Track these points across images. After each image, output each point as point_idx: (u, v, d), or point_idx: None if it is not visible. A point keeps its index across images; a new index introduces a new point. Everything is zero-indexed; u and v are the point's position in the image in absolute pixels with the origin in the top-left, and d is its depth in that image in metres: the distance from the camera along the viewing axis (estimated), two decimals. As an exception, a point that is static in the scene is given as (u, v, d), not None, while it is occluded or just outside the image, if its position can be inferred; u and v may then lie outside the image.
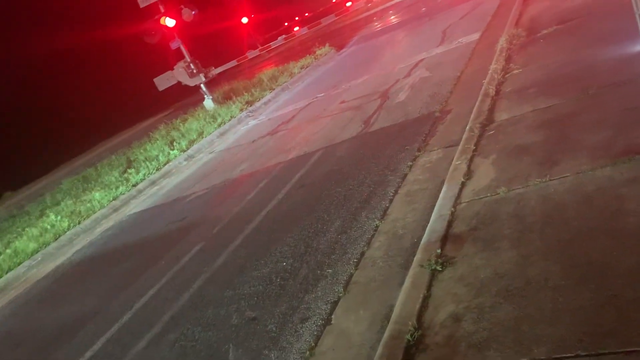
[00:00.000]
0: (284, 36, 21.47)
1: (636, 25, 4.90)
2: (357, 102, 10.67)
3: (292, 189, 7.45)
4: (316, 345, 3.82)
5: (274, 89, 17.23)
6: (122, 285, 6.96)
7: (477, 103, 6.51)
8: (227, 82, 21.55)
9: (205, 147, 13.91)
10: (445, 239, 4.03)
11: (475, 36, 11.06)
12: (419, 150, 6.42)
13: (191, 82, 17.85)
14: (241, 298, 5.04)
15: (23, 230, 12.98)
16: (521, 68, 7.15)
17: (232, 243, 6.49)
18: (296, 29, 36.42)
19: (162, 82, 18.03)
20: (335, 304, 4.22)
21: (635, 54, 5.44)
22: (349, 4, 35.67)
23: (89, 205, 12.30)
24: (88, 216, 11.67)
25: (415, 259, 3.99)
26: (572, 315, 2.76)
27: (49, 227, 11.91)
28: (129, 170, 13.98)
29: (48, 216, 12.88)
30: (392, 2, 22.84)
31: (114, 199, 12.15)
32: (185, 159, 13.47)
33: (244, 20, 47.22)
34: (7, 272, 10.25)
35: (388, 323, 3.47)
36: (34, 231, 12.10)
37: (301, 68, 18.88)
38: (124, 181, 13.10)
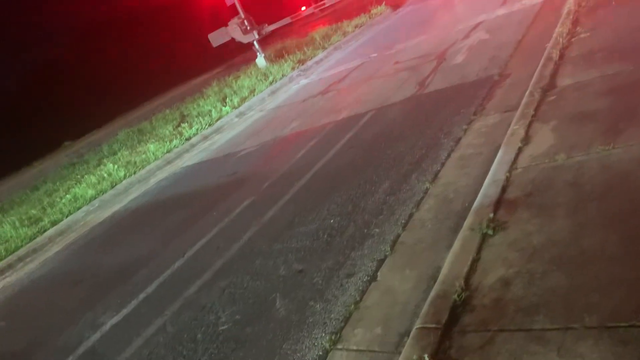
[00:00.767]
0: (339, -6, 21.04)
1: None
2: (412, 63, 10.44)
3: (341, 149, 7.45)
4: (361, 300, 3.88)
5: (326, 48, 17.05)
6: (175, 234, 7.23)
7: (539, 67, 6.25)
8: (279, 40, 21.46)
9: (257, 105, 14.01)
10: (498, 203, 3.96)
11: (541, -2, 10.51)
12: (474, 114, 6.26)
13: (244, 39, 17.86)
14: (289, 251, 5.16)
15: (82, 177, 13.59)
16: (589, 32, 6.77)
17: (281, 199, 6.60)
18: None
19: (217, 38, 18.11)
20: (381, 262, 4.26)
21: None
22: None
23: (144, 156, 12.72)
24: (143, 167, 12.09)
25: (465, 222, 3.95)
26: (629, 286, 2.69)
27: (106, 175, 12.43)
28: (183, 125, 14.30)
29: (105, 165, 13.42)
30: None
31: (168, 151, 12.50)
32: (237, 116, 13.64)
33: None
34: (67, 216, 10.82)
35: (434, 283, 3.48)
36: (92, 179, 12.66)
37: (355, 27, 18.54)
38: (178, 135, 13.42)
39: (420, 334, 3.06)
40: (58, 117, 27.73)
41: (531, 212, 3.66)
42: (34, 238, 10.22)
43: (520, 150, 4.57)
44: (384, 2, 20.66)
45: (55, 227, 10.45)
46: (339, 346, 3.52)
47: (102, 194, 11.40)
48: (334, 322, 3.80)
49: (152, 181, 11.19)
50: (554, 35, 7.11)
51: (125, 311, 5.56)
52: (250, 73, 17.31)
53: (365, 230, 4.87)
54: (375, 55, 13.26)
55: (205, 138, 12.86)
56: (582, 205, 3.48)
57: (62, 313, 6.38)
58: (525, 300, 2.92)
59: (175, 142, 12.91)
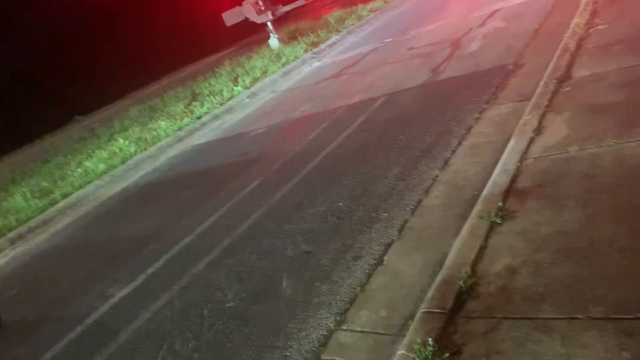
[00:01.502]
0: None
1: None
2: (426, 49, 10.36)
3: (353, 133, 7.45)
4: (367, 283, 3.93)
5: (340, 32, 16.92)
6: (184, 211, 7.30)
7: (555, 58, 6.20)
8: (293, 21, 21.29)
9: (269, 86, 13.98)
10: (507, 193, 3.97)
11: (560, -13, 10.34)
12: (487, 102, 6.23)
13: (258, 20, 17.74)
14: (297, 232, 5.20)
15: (93, 152, 13.67)
16: (607, 24, 6.68)
17: (290, 180, 6.63)
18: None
19: (230, 17, 18.00)
20: (388, 246, 4.29)
21: None
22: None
23: (154, 133, 12.77)
24: (154, 143, 12.15)
25: (474, 210, 3.97)
26: (636, 279, 2.70)
27: (117, 150, 12.50)
28: (194, 103, 14.31)
29: (116, 141, 13.48)
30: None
31: (179, 129, 12.54)
32: (248, 96, 13.62)
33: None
34: (78, 190, 10.92)
35: (441, 269, 3.51)
36: (103, 154, 12.74)
37: (370, 11, 18.36)
38: (189, 113, 13.44)
39: (425, 318, 3.10)
40: (69, 91, 27.81)
41: (541, 202, 3.67)
42: (45, 210, 10.34)
43: (532, 140, 4.56)
44: (400, -13, 20.39)
45: (65, 200, 10.57)
46: (344, 327, 3.57)
47: (113, 169, 11.48)
48: (339, 304, 3.85)
49: (163, 158, 11.26)
50: (572, 25, 7.03)
51: (134, 284, 5.64)
52: (263, 54, 17.23)
53: (374, 214, 4.90)
54: (389, 40, 13.15)
55: (217, 117, 12.88)
56: (593, 197, 3.48)
57: (72, 284, 6.49)
58: (531, 289, 2.95)
59: (186, 120, 12.94)
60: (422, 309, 3.19)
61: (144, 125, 14.39)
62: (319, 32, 17.21)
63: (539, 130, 4.67)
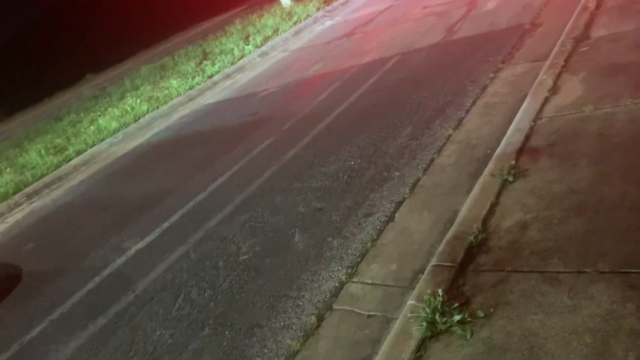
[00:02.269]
0: None
1: None
2: (441, 8, 10.16)
3: (365, 92, 7.42)
4: (378, 239, 4.01)
5: (353, -10, 16.58)
6: (196, 169, 7.39)
7: (573, 17, 6.08)
8: (305, -21, 20.85)
9: (280, 45, 13.84)
10: (520, 152, 3.98)
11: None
12: (503, 62, 6.16)
13: (270, -23, 17.41)
14: (308, 190, 5.27)
15: (105, 110, 13.75)
16: (630, -18, 6.51)
17: (302, 140, 6.66)
18: None
19: (241, -26, 17.67)
20: (399, 204, 4.35)
21: None
22: None
23: (166, 92, 12.77)
24: (165, 102, 12.17)
25: (486, 168, 4.00)
26: (645, 235, 2.75)
27: (129, 109, 12.55)
28: (205, 62, 14.23)
29: (128, 99, 13.52)
30: None
31: (190, 88, 12.52)
32: (260, 55, 13.52)
33: None
34: (91, 147, 11.05)
35: (452, 226, 3.57)
36: (116, 111, 12.81)
37: (384, -31, 17.91)
38: (200, 72, 13.39)
39: (435, 271, 3.18)
40: (80, 50, 27.70)
41: (553, 161, 3.69)
42: (59, 166, 10.51)
43: (546, 100, 4.54)
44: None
45: (79, 157, 10.71)
46: (355, 279, 3.67)
47: (126, 127, 11.57)
48: (350, 257, 3.94)
49: (175, 117, 11.29)
50: (593, -17, 6.85)
51: (149, 238, 5.78)
52: (275, 12, 16.98)
53: (386, 173, 4.95)
54: (403, -2, 12.90)
55: (228, 76, 12.82)
56: (606, 156, 3.49)
57: (88, 237, 6.65)
58: (541, 244, 3.01)
59: (197, 79, 12.90)
60: (433, 262, 3.26)
61: (156, 84, 14.38)
62: (332, -11, 16.87)
63: (554, 90, 4.64)
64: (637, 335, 2.26)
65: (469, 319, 2.70)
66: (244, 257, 4.57)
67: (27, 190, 9.85)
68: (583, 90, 4.42)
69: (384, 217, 4.27)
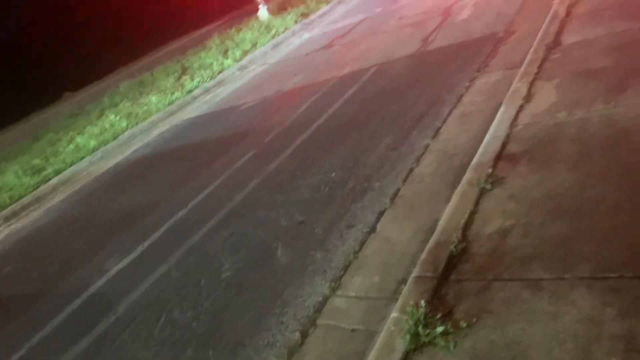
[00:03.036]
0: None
1: None
2: (416, 18, 10.29)
3: (344, 103, 7.45)
4: (360, 250, 4.00)
5: (330, 2, 16.71)
6: (178, 184, 7.33)
7: (545, 24, 6.19)
8: (282, -8, 20.98)
9: (259, 58, 13.86)
10: (497, 159, 4.02)
11: (552, -47, 10.25)
12: (477, 71, 6.24)
13: (247, -10, 17.47)
14: (290, 203, 5.26)
15: (84, 128, 13.57)
16: (598, -11, 6.66)
17: (283, 152, 6.66)
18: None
19: (218, -12, 17.70)
20: (381, 214, 4.36)
21: None
22: None
23: (145, 108, 12.68)
24: (145, 118, 12.08)
25: (464, 177, 4.03)
26: (624, 238, 2.78)
27: (108, 126, 12.43)
28: (184, 77, 14.19)
29: (107, 116, 13.38)
30: None
31: (170, 103, 12.46)
32: (239, 69, 13.52)
33: None
34: (70, 166, 10.89)
35: (432, 235, 3.58)
36: (94, 129, 12.66)
37: (360, -19, 18.09)
38: (179, 87, 13.34)
39: (417, 282, 3.18)
40: (58, 67, 27.39)
41: (530, 167, 3.73)
42: (38, 187, 10.34)
43: (521, 107, 4.60)
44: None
45: (58, 177, 10.55)
46: (338, 293, 3.66)
47: (105, 144, 11.44)
48: (333, 270, 3.92)
49: (155, 133, 11.21)
50: (562, -9, 6.99)
51: (131, 257, 5.70)
52: (253, 26, 17.02)
53: (366, 184, 4.96)
54: (379, 10, 13.03)
55: (207, 91, 12.79)
56: (583, 160, 3.54)
57: (68, 258, 6.54)
58: (521, 250, 3.03)
59: (177, 94, 12.84)
60: (415, 273, 3.26)
61: (135, 100, 14.28)
62: (309, 2, 17.00)
63: (528, 98, 4.71)
64: (618, 340, 2.28)
65: (452, 330, 2.70)
66: (226, 274, 4.52)
67: (5, 212, 9.67)
68: (557, 97, 4.49)
69: (365, 228, 4.27)
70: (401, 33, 9.77)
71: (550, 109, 4.36)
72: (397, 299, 3.18)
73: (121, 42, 28.77)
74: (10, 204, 9.90)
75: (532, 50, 5.65)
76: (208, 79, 13.24)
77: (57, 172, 10.72)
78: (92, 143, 11.59)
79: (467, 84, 6.02)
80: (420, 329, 2.74)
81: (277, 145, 7.02)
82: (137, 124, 11.95)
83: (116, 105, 14.78)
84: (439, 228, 3.59)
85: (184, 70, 15.21)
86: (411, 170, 4.82)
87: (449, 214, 3.67)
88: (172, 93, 12.98)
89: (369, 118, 6.47)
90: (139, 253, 5.72)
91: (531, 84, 4.92)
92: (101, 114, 14.42)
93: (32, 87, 26.18)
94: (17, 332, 5.30)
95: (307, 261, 4.17)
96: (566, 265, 2.79)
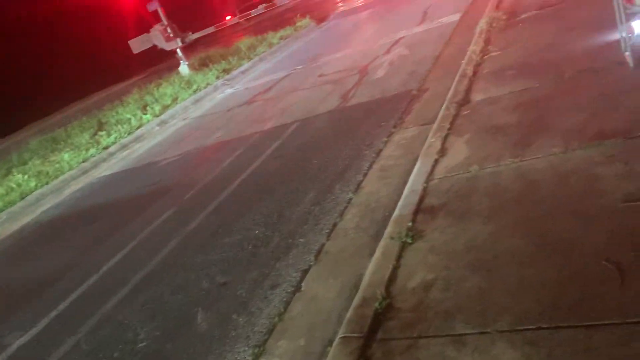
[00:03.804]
0: (264, 5, 21.02)
1: (614, 14, 4.99)
2: (335, 76, 10.63)
3: (267, 159, 7.43)
4: (285, 311, 3.87)
5: (252, 59, 16.99)
6: (91, 247, 6.88)
7: (455, 83, 6.58)
8: (204, 48, 21.13)
9: (180, 113, 13.69)
10: (416, 213, 4.10)
11: (456, 17, 11.09)
12: (394, 126, 6.47)
13: (167, 47, 17.45)
14: (212, 263, 5.06)
15: (-13, 189, 12.61)
16: (500, 50, 7.22)
17: (204, 209, 6.47)
18: (277, -2, 35.57)
19: (138, 44, 17.57)
20: (305, 272, 4.27)
21: (611, 42, 5.55)
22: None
23: (57, 166, 12.02)
24: (56, 177, 11.41)
25: (386, 231, 4.06)
26: (537, 289, 2.86)
27: (15, 186, 11.60)
28: (100, 133, 13.67)
29: (14, 175, 12.53)
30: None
31: (84, 160, 11.90)
32: (159, 124, 13.25)
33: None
34: (-31, 231, 10.00)
35: (357, 292, 3.54)
36: (0, 190, 11.79)
37: (280, 39, 18.62)
38: (95, 143, 12.82)
39: (343, 343, 3.09)
40: (-40, 123, 25.64)
41: (447, 220, 3.83)
42: None
43: (436, 161, 4.77)
44: (307, 16, 20.91)
45: (-46, 243, 9.62)
46: (262, 359, 3.49)
47: (11, 205, 10.63)
48: (257, 335, 3.76)
49: (67, 192, 10.60)
50: (468, 52, 7.52)
51: (34, 330, 5.19)
52: (173, 81, 16.89)
53: (290, 240, 4.88)
54: (300, 67, 13.38)
55: (125, 147, 12.39)
56: (495, 213, 3.68)
57: (-38, 336, 5.86)
58: (443, 304, 3.04)
59: (92, 150, 12.32)
60: (341, 333, 3.18)
61: (46, 157, 13.52)
62: (231, 58, 17.19)
63: (442, 152, 4.91)
64: (539, 393, 2.29)
65: (379, 393, 2.62)
66: (142, 345, 4.21)
67: None
68: (468, 151, 4.70)
69: (290, 288, 4.16)
70: (321, 90, 10.03)
71: (463, 162, 4.55)
72: (323, 363, 3.07)
73: (33, 96, 27.56)
74: None
75: (444, 107, 5.95)
76: (126, 135, 12.85)
77: (-46, 237, 9.78)
78: (-4, 204, 10.74)
79: (385, 139, 6.20)
80: (347, 394, 2.64)
81: (198, 202, 6.82)
82: (47, 183, 11.26)
83: (25, 163, 13.91)
84: (363, 284, 3.55)
85: (101, 126, 14.69)
86: (335, 224, 4.81)
87: (373, 269, 3.65)
88: (87, 150, 12.43)
89: (292, 173, 6.46)
90: (45, 325, 5.22)
91: (444, 139, 5.14)
92: (8, 173, 13.47)
93: None
94: None
95: (229, 326, 3.98)
96: (486, 319, 2.82)
